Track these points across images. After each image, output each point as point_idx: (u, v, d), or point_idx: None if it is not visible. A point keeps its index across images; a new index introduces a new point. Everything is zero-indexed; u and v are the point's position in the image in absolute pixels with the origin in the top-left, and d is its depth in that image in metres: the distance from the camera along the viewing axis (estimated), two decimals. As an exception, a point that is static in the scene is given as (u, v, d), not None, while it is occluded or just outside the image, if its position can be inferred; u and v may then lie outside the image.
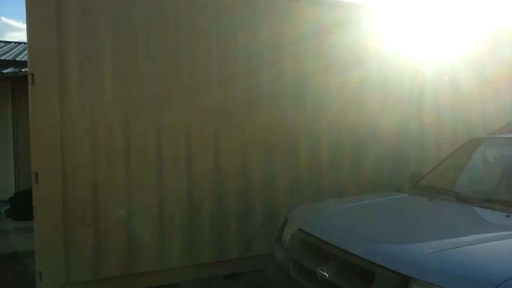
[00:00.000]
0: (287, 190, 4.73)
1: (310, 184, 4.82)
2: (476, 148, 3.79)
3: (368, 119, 5.09)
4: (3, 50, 9.85)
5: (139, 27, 4.23)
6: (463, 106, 5.55)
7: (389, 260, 2.18)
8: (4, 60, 8.31)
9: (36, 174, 3.91)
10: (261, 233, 4.64)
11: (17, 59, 8.55)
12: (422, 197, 3.21)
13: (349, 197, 3.76)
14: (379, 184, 4.82)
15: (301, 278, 2.66)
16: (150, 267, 4.29)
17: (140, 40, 4.22)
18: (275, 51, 4.69)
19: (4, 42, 11.61)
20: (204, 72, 4.44)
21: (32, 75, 3.88)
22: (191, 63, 4.39)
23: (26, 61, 7.88)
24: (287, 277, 2.79)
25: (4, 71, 7.48)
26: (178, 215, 4.37)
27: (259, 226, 4.66)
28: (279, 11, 4.75)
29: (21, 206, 7.09)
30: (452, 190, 3.26)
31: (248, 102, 4.61)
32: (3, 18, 61.14)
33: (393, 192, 3.57)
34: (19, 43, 11.52)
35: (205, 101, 4.43)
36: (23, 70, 7.47)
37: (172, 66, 4.33)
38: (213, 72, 4.48)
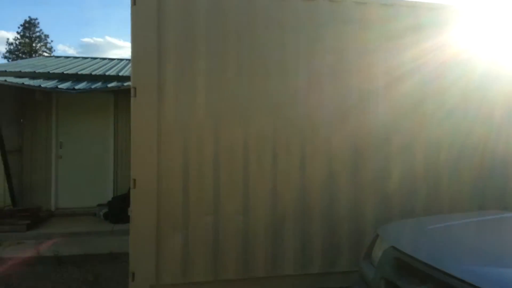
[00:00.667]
0: (376, 203, 4.55)
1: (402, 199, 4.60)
2: None
3: (472, 128, 4.76)
4: (108, 66, 10.82)
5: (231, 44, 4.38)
6: None
7: (494, 284, 1.97)
8: (109, 75, 9.12)
9: (134, 180, 4.18)
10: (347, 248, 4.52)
11: (119, 74, 9.35)
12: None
13: (448, 215, 3.47)
14: (480, 202, 4.45)
15: (393, 298, 2.50)
16: (235, 275, 4.34)
17: (232, 55, 4.38)
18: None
19: (109, 59, 12.77)
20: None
21: (135, 88, 4.19)
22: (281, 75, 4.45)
23: (127, 75, 8.71)
24: (377, 296, 2.64)
25: (109, 85, 8.19)
26: (262, 226, 4.40)
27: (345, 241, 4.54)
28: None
29: (118, 210, 7.68)
30: None
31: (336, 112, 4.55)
32: (107, 37, 67.41)
33: (500, 211, 3.24)
34: (121, 59, 12.59)
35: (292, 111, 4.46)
36: (125, 84, 8.12)
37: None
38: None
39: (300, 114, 4.46)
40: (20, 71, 8.74)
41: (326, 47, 4.53)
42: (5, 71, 8.61)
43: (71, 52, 61.07)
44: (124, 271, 4.97)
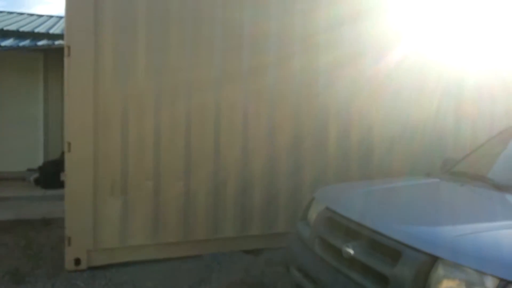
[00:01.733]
0: (315, 177, 4.78)
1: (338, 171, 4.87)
2: None
3: (403, 106, 5.06)
4: (36, 23, 10.03)
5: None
6: (503, 94, 5.45)
7: (417, 240, 2.18)
8: (38, 32, 8.47)
9: (69, 144, 4.02)
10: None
11: (50, 31, 8.71)
12: (453, 183, 3.17)
13: (379, 180, 3.74)
14: (413, 171, 4.83)
15: (325, 254, 2.68)
16: (176, 238, 4.40)
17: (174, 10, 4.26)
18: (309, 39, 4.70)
19: (37, 15, 11.82)
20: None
21: (69, 47, 3.97)
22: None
23: (59, 33, 8.16)
24: (311, 253, 2.82)
25: (38, 43, 7.63)
26: (203, 190, 4.46)
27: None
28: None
29: (50, 175, 7.36)
30: (485, 176, 3.20)
31: (280, 91, 4.65)
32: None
33: (425, 176, 3.53)
34: (51, 16, 11.71)
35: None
36: (56, 42, 7.61)
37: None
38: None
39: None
40: None
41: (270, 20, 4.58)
42: None
43: (-9, 5, 55.59)
44: (58, 236, 4.84)
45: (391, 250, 2.26)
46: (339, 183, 3.95)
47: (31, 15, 11.76)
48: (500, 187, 2.88)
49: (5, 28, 8.46)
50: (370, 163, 4.98)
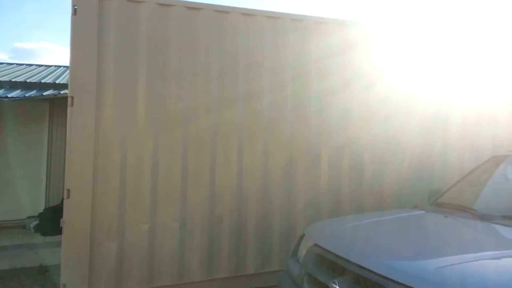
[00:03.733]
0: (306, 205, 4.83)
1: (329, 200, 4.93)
2: (497, 166, 3.77)
3: (391, 135, 5.17)
4: (44, 74, 10.45)
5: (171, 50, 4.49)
6: (488, 122, 5.57)
7: (399, 274, 2.22)
8: (45, 83, 8.84)
9: (68, 190, 4.12)
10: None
11: (56, 81, 9.07)
12: (438, 214, 3.22)
13: (366, 214, 3.80)
14: (401, 201, 4.87)
15: (314, 291, 2.70)
16: (170, 281, 4.38)
17: (172, 62, 4.47)
18: (299, 69, 4.89)
19: (45, 66, 12.31)
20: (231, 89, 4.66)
21: (72, 97, 4.16)
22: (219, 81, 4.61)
23: (65, 83, 8.46)
24: (300, 290, 2.84)
25: (44, 93, 7.94)
26: (198, 232, 4.49)
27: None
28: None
29: (50, 221, 7.38)
30: (469, 207, 3.27)
31: (272, 118, 4.78)
32: (43, 42, 64.37)
33: (411, 209, 3.59)
34: (59, 66, 12.19)
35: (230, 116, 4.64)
36: (61, 92, 7.91)
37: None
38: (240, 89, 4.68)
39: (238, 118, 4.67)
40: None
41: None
42: None
43: (3, 57, 57.64)
44: (54, 284, 4.83)
45: (376, 285, 2.30)
46: (329, 219, 4.01)
47: (39, 66, 12.26)
48: (484, 217, 2.93)
49: (13, 80, 8.84)
50: (361, 185, 5.03)
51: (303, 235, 3.30)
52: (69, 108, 4.16)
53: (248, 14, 4.75)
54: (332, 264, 2.68)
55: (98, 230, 4.18)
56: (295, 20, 4.93)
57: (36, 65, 12.40)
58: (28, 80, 8.93)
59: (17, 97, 7.55)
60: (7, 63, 12.44)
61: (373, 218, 3.38)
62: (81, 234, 4.11)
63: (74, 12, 4.19)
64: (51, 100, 8.37)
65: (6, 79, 8.86)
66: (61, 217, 4.14)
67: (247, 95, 4.69)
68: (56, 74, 10.54)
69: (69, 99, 4.16)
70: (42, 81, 9.03)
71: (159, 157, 4.37)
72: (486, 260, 2.26)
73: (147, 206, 4.33)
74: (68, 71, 8.25)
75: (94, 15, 4.22)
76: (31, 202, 8.54)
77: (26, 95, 7.80)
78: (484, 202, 3.45)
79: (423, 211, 3.42)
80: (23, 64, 12.26)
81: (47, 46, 62.94)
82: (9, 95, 7.52)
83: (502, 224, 2.80)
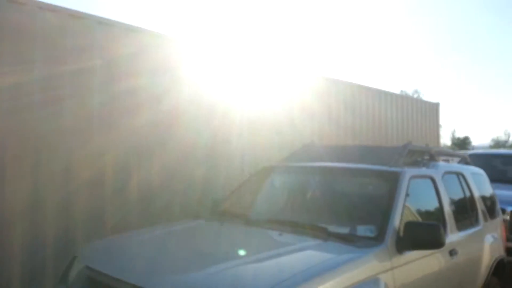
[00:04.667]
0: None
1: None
2: (267, 175, 4.14)
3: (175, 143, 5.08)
4: None
5: None
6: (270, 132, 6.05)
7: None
8: None
9: None
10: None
11: None
12: (215, 222, 3.34)
13: (144, 229, 3.58)
14: (189, 212, 4.93)
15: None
16: None
17: None
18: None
19: None
20: None
21: None
22: None
23: None
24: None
25: None
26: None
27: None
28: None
29: None
30: (242, 214, 3.51)
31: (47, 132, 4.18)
32: None
33: (192, 219, 3.63)
34: None
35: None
36: None
37: None
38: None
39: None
40: None
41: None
42: None
43: None
44: None
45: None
46: (105, 238, 3.71)
47: None
48: (253, 223, 3.18)
49: None
50: (151, 205, 4.82)
51: (75, 257, 2.95)
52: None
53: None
54: (105, 286, 2.48)
55: None
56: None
57: None
58: None
59: None
60: None
61: (151, 233, 3.28)
62: None
63: None
64: None
65: None
66: None
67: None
68: None
69: None
70: None
71: None
72: (250, 264, 2.45)
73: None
74: None
75: None
76: None
77: None
78: (255, 208, 3.75)
79: (203, 220, 3.50)
80: None
81: None
82: None
83: (267, 228, 3.07)
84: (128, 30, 4.79)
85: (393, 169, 3.42)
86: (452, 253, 3.41)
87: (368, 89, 8.10)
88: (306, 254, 2.67)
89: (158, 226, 3.59)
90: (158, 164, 4.95)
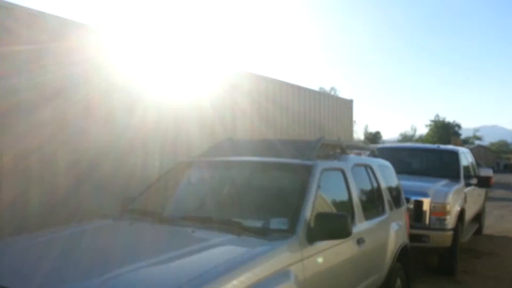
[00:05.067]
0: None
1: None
2: (183, 171, 4.04)
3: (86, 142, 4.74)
4: None
5: None
6: (184, 129, 5.84)
7: None
8: None
9: None
10: None
11: None
12: (124, 221, 3.16)
13: (45, 230, 3.24)
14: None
15: None
16: None
17: None
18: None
19: None
20: None
21: None
22: None
23: None
24: None
25: None
26: None
27: None
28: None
29: None
30: (155, 211, 3.35)
31: None
32: None
33: (99, 218, 3.38)
34: None
35: None
36: None
37: None
38: None
39: None
40: None
41: None
42: None
43: None
44: None
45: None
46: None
47: None
48: (166, 220, 3.06)
49: None
50: (55, 195, 4.39)
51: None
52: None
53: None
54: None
55: None
56: None
57: None
58: None
59: None
60: None
61: (53, 234, 3.01)
62: None
63: None
64: None
65: None
66: None
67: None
68: None
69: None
70: None
71: None
72: (158, 264, 2.34)
73: None
74: None
75: None
76: None
77: None
78: (170, 206, 3.61)
79: (111, 219, 3.29)
80: None
81: None
82: None
83: (180, 225, 2.98)
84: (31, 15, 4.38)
85: (306, 162, 3.50)
86: (359, 241, 3.56)
87: (291, 85, 8.35)
88: (218, 250, 2.63)
89: (58, 227, 3.29)
90: (64, 165, 4.57)
